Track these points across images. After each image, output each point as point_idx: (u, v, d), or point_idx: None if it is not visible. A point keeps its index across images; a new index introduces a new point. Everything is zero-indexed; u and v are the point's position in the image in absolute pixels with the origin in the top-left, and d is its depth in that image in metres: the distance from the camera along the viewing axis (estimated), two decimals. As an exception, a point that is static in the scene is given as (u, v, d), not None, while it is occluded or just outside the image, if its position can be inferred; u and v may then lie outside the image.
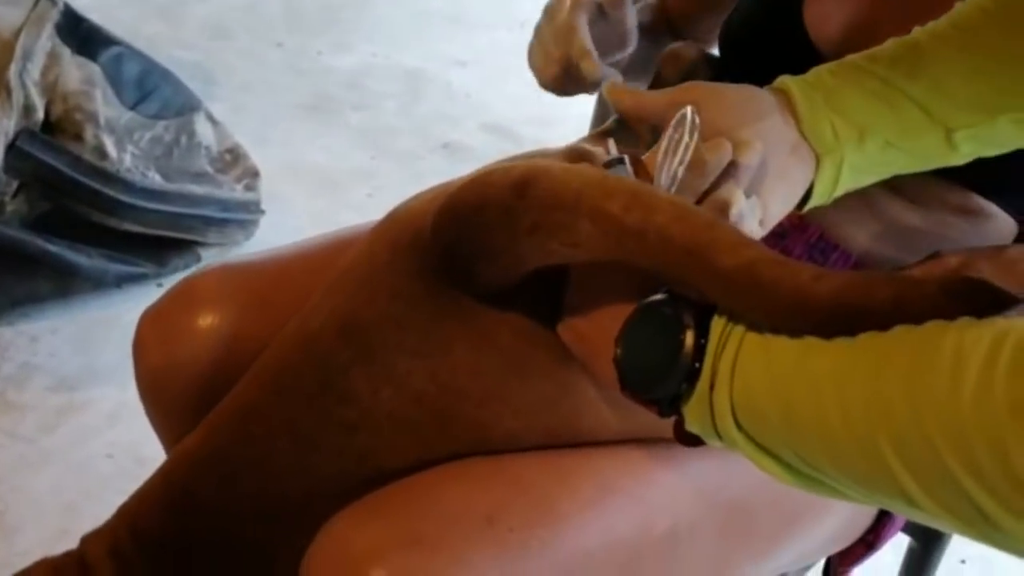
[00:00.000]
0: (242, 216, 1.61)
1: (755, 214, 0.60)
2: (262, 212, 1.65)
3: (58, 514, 1.20)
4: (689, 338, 0.49)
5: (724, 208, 0.58)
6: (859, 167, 0.65)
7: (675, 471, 0.65)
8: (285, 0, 2.57)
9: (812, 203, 0.65)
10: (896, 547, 0.95)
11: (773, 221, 0.63)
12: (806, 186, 0.64)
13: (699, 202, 0.59)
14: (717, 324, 0.50)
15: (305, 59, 2.36)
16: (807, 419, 0.45)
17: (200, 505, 0.66)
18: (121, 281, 1.51)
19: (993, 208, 0.77)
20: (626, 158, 0.61)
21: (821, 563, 0.88)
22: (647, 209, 0.52)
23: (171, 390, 0.75)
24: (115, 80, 1.49)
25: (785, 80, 0.65)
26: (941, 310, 0.45)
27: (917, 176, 0.75)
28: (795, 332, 0.48)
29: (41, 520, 1.19)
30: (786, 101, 0.63)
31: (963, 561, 1.37)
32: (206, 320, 0.74)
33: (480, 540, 0.57)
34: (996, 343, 0.40)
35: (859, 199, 0.77)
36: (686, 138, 0.57)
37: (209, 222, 1.56)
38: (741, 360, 0.48)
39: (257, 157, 1.71)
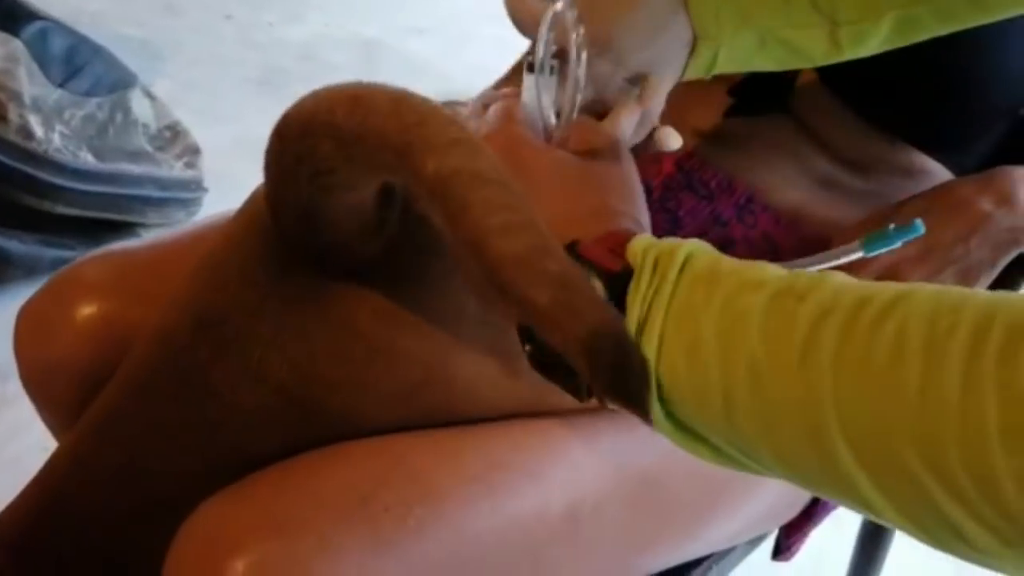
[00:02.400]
0: (183, 195, 1.56)
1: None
2: (204, 190, 1.60)
3: (-12, 511, 1.16)
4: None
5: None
6: (735, 58, 0.60)
7: (579, 444, 0.61)
8: (237, -29, 2.50)
9: (685, 76, 0.62)
10: (852, 523, 0.92)
11: (654, 95, 0.61)
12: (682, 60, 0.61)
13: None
14: (635, 296, 0.42)
15: (256, 31, 2.29)
16: (741, 407, 0.39)
17: (73, 511, 0.62)
18: (57, 267, 1.43)
19: (934, 166, 0.74)
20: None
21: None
22: (366, 111, 0.46)
23: (53, 387, 0.71)
24: (40, 57, 1.42)
25: None
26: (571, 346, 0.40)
27: (854, 133, 0.72)
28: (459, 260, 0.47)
29: (-31, 518, 1.15)
30: None
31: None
32: (84, 312, 0.69)
33: (351, 521, 0.53)
34: (979, 329, 0.33)
35: (791, 160, 0.74)
36: (572, 53, 0.50)
37: (148, 202, 1.50)
38: (667, 342, 0.41)
39: (205, 134, 1.65)
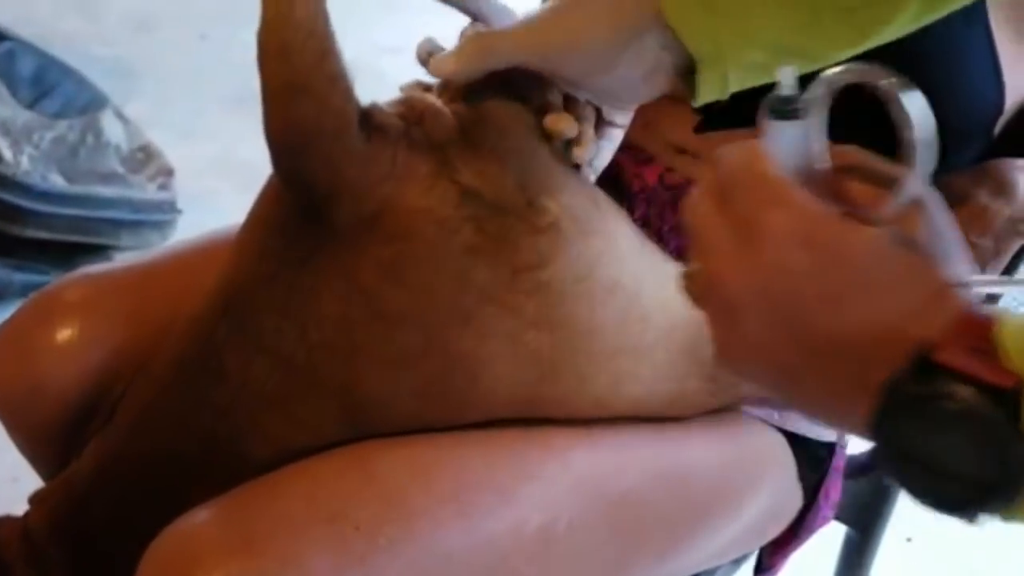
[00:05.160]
0: (157, 217, 1.55)
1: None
2: (179, 212, 1.59)
3: (-43, 543, 1.13)
4: (1009, 443, 0.33)
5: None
6: (748, 77, 0.56)
7: (556, 462, 0.61)
8: (211, -10, 2.50)
9: (700, 100, 0.58)
10: (834, 538, 0.92)
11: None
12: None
13: None
14: None
15: (232, 50, 2.27)
16: None
17: (98, 518, 0.63)
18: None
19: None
20: None
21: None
22: None
23: (33, 411, 0.70)
24: (8, 78, 1.42)
25: None
26: None
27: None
28: None
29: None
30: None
31: (909, 539, 1.34)
32: (65, 334, 0.68)
33: (318, 540, 0.53)
34: None
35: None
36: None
37: (120, 225, 1.49)
38: None
39: (182, 154, 1.64)
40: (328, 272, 0.57)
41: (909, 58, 0.64)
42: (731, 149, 0.42)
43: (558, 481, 0.60)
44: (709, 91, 0.57)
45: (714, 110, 0.73)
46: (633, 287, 0.61)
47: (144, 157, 1.59)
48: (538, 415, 0.62)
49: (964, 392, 0.34)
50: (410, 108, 0.59)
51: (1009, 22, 0.69)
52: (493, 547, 0.58)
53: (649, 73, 0.56)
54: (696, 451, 0.67)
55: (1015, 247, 0.70)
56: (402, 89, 0.63)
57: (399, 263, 0.57)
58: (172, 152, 1.67)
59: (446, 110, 0.59)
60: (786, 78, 0.41)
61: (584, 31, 0.54)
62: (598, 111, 0.61)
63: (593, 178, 0.63)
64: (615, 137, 0.63)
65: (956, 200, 0.69)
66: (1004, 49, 0.68)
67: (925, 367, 0.35)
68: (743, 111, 0.72)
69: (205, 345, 0.60)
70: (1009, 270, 0.73)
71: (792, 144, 0.41)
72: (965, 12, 0.64)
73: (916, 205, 0.40)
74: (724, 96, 0.57)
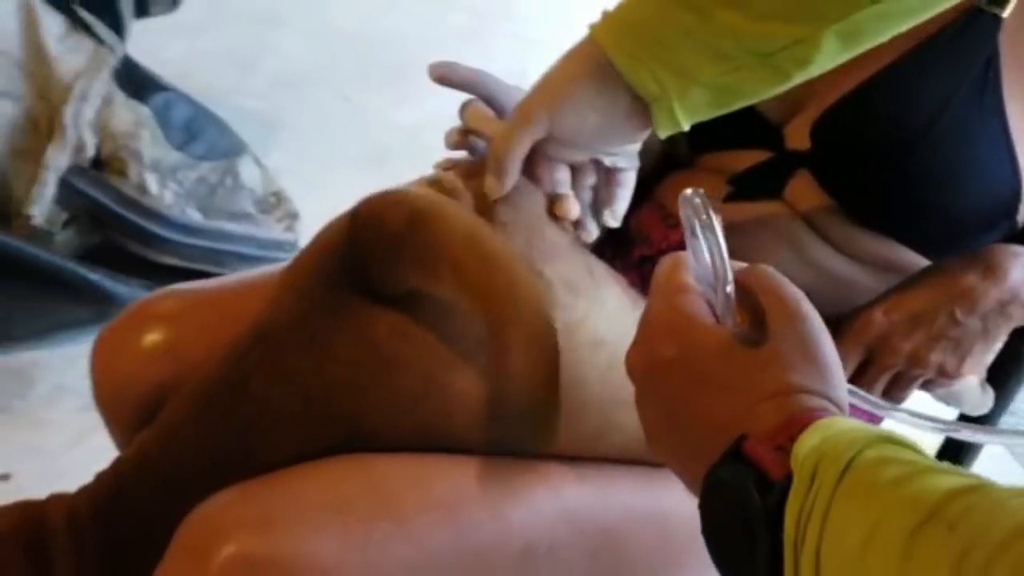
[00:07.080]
0: (277, 255, 1.67)
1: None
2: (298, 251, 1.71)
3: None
4: (761, 528, 0.39)
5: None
6: (694, 111, 0.63)
7: (546, 490, 0.66)
8: (360, 55, 2.68)
9: (660, 135, 0.65)
10: None
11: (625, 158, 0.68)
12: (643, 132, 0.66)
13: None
14: (791, 510, 0.38)
15: (368, 113, 2.44)
16: None
17: (131, 506, 0.71)
18: None
19: (922, 261, 0.75)
20: None
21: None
22: (492, 270, 0.60)
23: (123, 405, 0.80)
24: (164, 123, 1.58)
25: (595, 30, 0.63)
26: None
27: (844, 226, 0.74)
28: None
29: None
30: (601, 55, 0.62)
31: None
32: (153, 338, 0.78)
33: (325, 528, 0.61)
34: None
35: (789, 247, 0.77)
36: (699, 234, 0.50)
37: (243, 258, 1.63)
38: (823, 568, 0.37)
39: (309, 203, 1.76)
40: (348, 322, 0.65)
41: (921, 142, 0.67)
42: (665, 258, 0.52)
43: (545, 508, 0.65)
44: (664, 125, 0.64)
45: (746, 184, 0.78)
46: (620, 343, 0.65)
47: (275, 201, 1.73)
48: None
49: (742, 475, 0.40)
50: (440, 188, 0.68)
51: None
52: (479, 555, 0.63)
53: (629, 111, 0.64)
54: (678, 495, 0.70)
55: (1005, 330, 0.71)
56: (435, 167, 0.72)
57: (408, 323, 0.65)
58: (300, 200, 1.81)
59: (466, 192, 0.67)
60: (694, 198, 0.49)
61: (569, 82, 0.63)
62: (602, 165, 0.69)
63: (615, 223, 0.71)
64: (627, 182, 0.70)
65: (948, 280, 0.71)
66: (1020, 134, 0.70)
67: (736, 455, 0.41)
68: (772, 185, 0.76)
69: (237, 367, 0.68)
70: (1006, 356, 0.74)
71: (700, 258, 0.49)
72: (980, 95, 0.68)
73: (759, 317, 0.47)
74: (683, 129, 0.64)
